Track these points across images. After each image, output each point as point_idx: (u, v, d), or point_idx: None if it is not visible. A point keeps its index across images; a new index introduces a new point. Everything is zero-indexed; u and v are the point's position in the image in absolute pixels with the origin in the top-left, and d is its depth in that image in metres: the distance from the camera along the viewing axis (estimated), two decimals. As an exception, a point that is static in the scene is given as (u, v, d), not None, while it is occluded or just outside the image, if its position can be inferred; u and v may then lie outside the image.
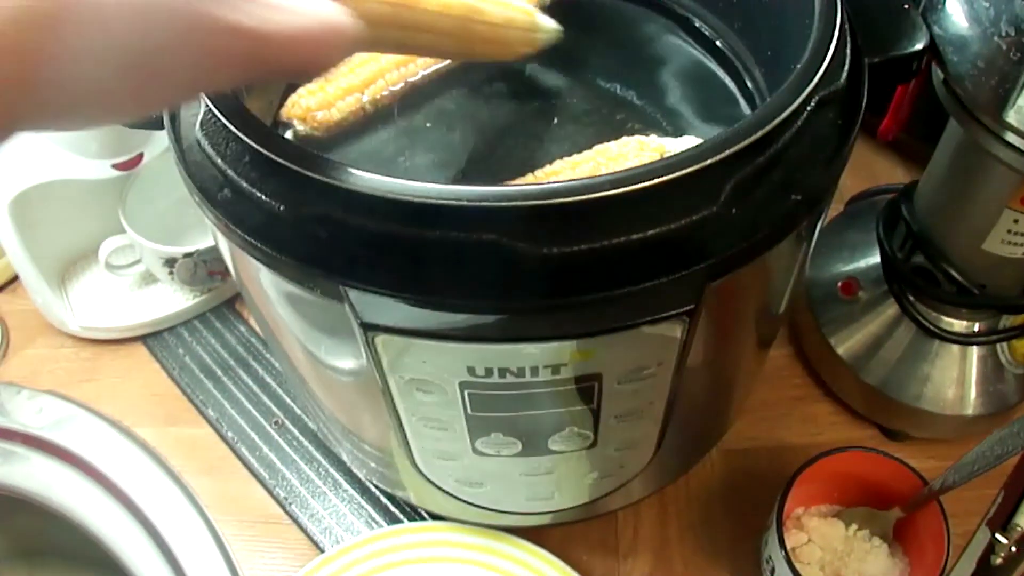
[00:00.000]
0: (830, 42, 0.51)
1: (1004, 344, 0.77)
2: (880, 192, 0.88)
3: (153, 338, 0.91)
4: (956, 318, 0.76)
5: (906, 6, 0.59)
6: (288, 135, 0.62)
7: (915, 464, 0.75)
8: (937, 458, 0.80)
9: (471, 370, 0.49)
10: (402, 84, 0.64)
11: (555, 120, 0.65)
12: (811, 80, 0.49)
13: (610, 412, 0.54)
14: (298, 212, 0.47)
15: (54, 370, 0.90)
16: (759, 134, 0.46)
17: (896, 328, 0.79)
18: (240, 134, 0.48)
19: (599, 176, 0.44)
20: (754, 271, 0.52)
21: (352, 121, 0.63)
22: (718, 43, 0.69)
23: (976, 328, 0.76)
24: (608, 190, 0.44)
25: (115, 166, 0.78)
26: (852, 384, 0.81)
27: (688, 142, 0.61)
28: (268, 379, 0.87)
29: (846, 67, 0.53)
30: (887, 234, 0.77)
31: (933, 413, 0.78)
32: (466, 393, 0.51)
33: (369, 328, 0.46)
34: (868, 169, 0.97)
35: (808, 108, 0.49)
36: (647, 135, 0.61)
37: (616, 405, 0.54)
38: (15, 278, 0.94)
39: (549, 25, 0.59)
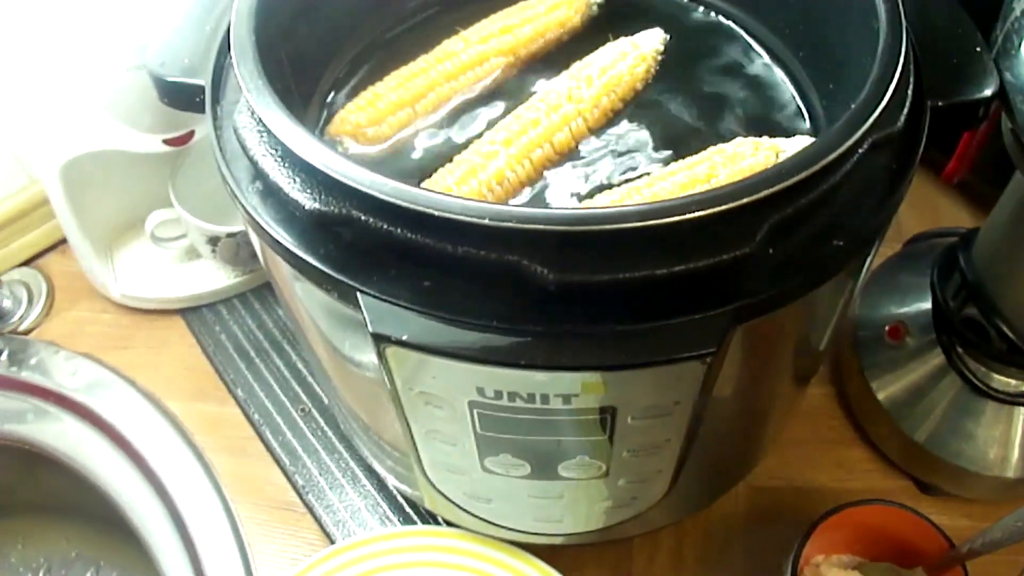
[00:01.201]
0: (889, 83, 0.48)
1: (1055, 407, 0.73)
2: (940, 235, 0.84)
3: (191, 312, 0.91)
4: (1005, 376, 0.72)
5: (978, 49, 0.56)
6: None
7: (948, 522, 0.72)
8: (972, 517, 0.77)
9: (480, 391, 0.47)
10: (454, 97, 0.62)
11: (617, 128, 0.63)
12: (864, 122, 0.47)
13: (623, 445, 0.52)
14: (322, 211, 0.46)
15: (93, 334, 0.91)
16: (802, 175, 0.44)
17: (941, 380, 0.75)
18: (272, 128, 0.47)
19: (628, 206, 0.42)
20: (787, 315, 0.50)
21: (404, 137, 0.61)
22: (779, 68, 0.66)
23: (1024, 387, 0.73)
24: (636, 221, 0.42)
25: (166, 141, 0.77)
26: (890, 433, 0.77)
27: (801, 141, 0.59)
28: (299, 365, 0.86)
29: (905, 109, 0.50)
30: (941, 281, 0.74)
31: (972, 472, 0.74)
32: (475, 412, 0.50)
33: (380, 339, 0.45)
34: (932, 209, 0.93)
35: (860, 151, 0.47)
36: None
37: (630, 439, 0.52)
38: (64, 239, 0.94)
39: None
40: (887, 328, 0.77)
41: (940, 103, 0.53)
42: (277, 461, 0.81)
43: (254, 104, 0.49)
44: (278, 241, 0.48)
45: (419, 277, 0.45)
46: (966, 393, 0.74)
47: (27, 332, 0.92)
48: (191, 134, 0.79)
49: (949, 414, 0.75)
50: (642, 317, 0.44)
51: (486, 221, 0.42)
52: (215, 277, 0.90)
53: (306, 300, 0.54)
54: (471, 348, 0.44)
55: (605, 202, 0.54)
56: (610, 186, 0.58)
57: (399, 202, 0.43)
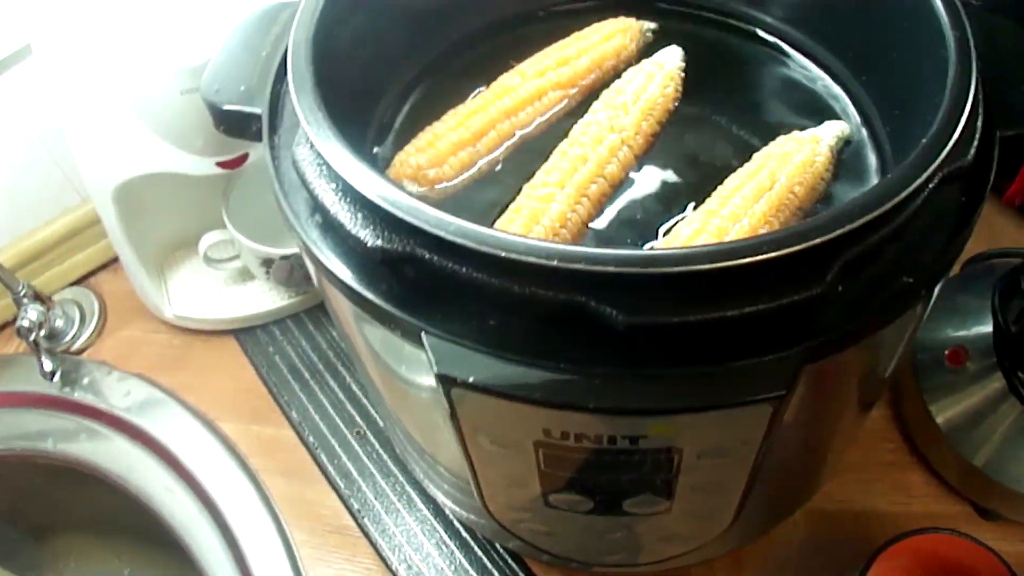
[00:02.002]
0: (959, 117, 0.47)
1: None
2: (999, 255, 0.82)
3: (245, 333, 0.91)
4: (1067, 400, 0.71)
5: (1048, 76, 0.55)
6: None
7: (1007, 547, 0.71)
8: (1033, 542, 0.75)
9: (547, 432, 0.46)
10: (515, 135, 0.61)
11: (677, 163, 0.61)
12: (935, 158, 0.45)
13: (688, 482, 0.51)
14: (385, 249, 0.45)
15: (146, 354, 0.91)
16: (874, 214, 0.43)
17: (1001, 404, 0.73)
18: (333, 164, 0.46)
19: (698, 248, 0.42)
20: (856, 352, 0.48)
21: (466, 177, 0.59)
22: (839, 88, 0.65)
23: (1088, 412, 0.71)
24: (706, 263, 0.41)
25: (220, 164, 0.77)
26: (949, 457, 0.76)
27: (832, 128, 0.60)
28: (354, 387, 0.86)
29: (975, 141, 0.49)
30: (1002, 305, 0.72)
31: (1036, 499, 0.73)
32: (540, 452, 0.49)
33: (446, 380, 0.44)
34: (988, 229, 0.91)
35: (930, 186, 0.46)
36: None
37: (695, 477, 0.51)
38: (116, 258, 0.94)
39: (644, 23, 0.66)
40: (947, 352, 0.76)
41: (1009, 133, 0.52)
42: (332, 484, 0.81)
43: (314, 139, 0.48)
44: (339, 277, 0.48)
45: (484, 316, 0.45)
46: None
47: (80, 352, 0.92)
48: (245, 156, 0.78)
49: (1009, 439, 0.73)
50: (711, 359, 0.43)
51: (555, 263, 0.41)
52: (268, 298, 0.90)
53: (367, 334, 0.53)
54: (538, 390, 0.44)
55: (683, 234, 0.53)
56: (672, 211, 0.57)
57: (466, 242, 0.42)
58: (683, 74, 0.65)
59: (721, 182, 0.57)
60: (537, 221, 0.54)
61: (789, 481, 0.65)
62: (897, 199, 0.44)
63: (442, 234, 0.42)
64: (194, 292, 0.91)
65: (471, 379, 0.44)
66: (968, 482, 0.76)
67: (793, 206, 0.56)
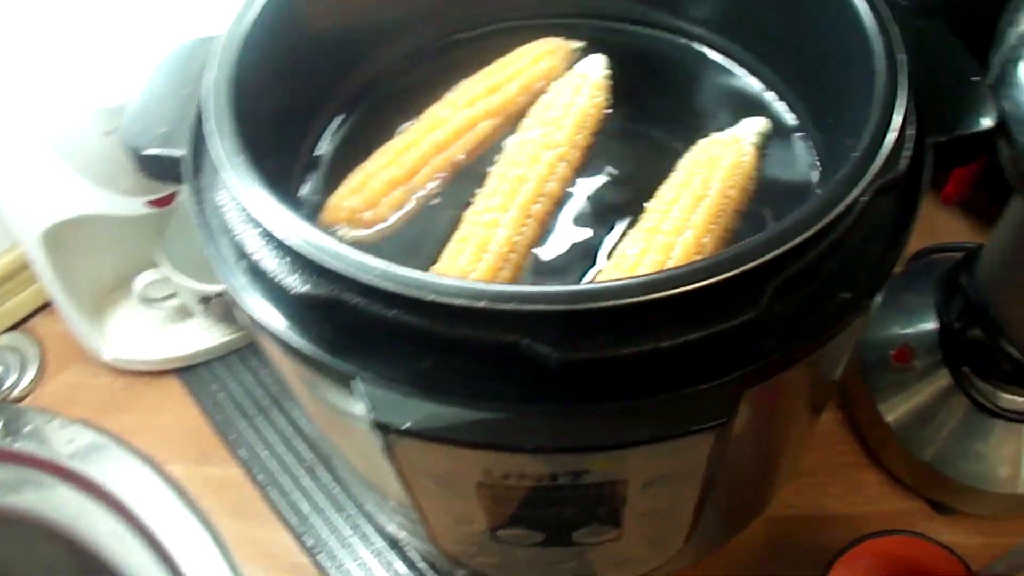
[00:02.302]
0: (888, 129, 0.46)
1: (1064, 423, 0.71)
2: (942, 250, 0.82)
3: (187, 372, 0.88)
4: (1012, 394, 0.70)
5: (974, 79, 0.54)
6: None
7: (962, 540, 0.71)
8: (986, 534, 0.75)
9: (488, 472, 0.45)
10: (449, 167, 0.59)
11: (614, 174, 0.61)
12: (865, 173, 0.45)
13: (636, 510, 0.50)
14: (312, 295, 0.44)
15: (88, 398, 0.88)
16: (808, 233, 0.42)
17: (948, 400, 0.73)
18: (253, 212, 0.45)
19: (631, 279, 0.40)
20: (798, 370, 0.48)
21: (403, 216, 0.58)
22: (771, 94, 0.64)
23: (1033, 403, 0.71)
24: (639, 295, 0.40)
25: (150, 203, 0.75)
26: (900, 455, 0.76)
27: (751, 125, 0.60)
28: (301, 422, 0.83)
29: (907, 151, 0.48)
30: (945, 304, 0.72)
31: (984, 491, 0.72)
32: (483, 492, 0.47)
33: (382, 427, 0.43)
34: (930, 226, 0.90)
35: (863, 200, 0.45)
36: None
37: (643, 504, 0.50)
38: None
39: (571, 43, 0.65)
40: (893, 352, 0.75)
41: (941, 139, 0.51)
42: (284, 521, 0.79)
43: (233, 185, 0.46)
44: (266, 325, 0.46)
45: (418, 359, 0.43)
46: (974, 413, 0.72)
47: (20, 399, 0.89)
48: (175, 194, 0.76)
49: (958, 434, 0.73)
50: (649, 391, 0.42)
51: (483, 304, 0.40)
52: (209, 335, 0.87)
53: (301, 380, 0.51)
54: (476, 433, 0.42)
55: (630, 255, 0.52)
56: (614, 226, 0.57)
57: (391, 287, 0.41)
58: (609, 82, 0.64)
59: (656, 192, 0.56)
60: (485, 249, 0.52)
61: (742, 495, 0.64)
62: (829, 217, 0.43)
63: (367, 279, 0.41)
64: (133, 333, 0.88)
65: (407, 425, 0.42)
66: (921, 479, 0.76)
67: (730, 209, 0.56)
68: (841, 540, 0.67)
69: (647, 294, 0.40)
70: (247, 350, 0.89)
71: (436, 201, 0.58)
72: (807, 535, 0.76)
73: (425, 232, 0.56)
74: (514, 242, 0.53)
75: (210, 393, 0.86)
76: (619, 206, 0.58)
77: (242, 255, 0.48)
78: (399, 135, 0.59)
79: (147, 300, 0.85)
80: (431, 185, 0.58)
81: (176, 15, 0.71)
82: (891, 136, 0.46)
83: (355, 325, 0.44)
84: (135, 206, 0.75)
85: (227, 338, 0.87)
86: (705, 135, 0.60)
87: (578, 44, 0.67)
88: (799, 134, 0.62)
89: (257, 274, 0.47)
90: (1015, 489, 0.72)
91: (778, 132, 0.62)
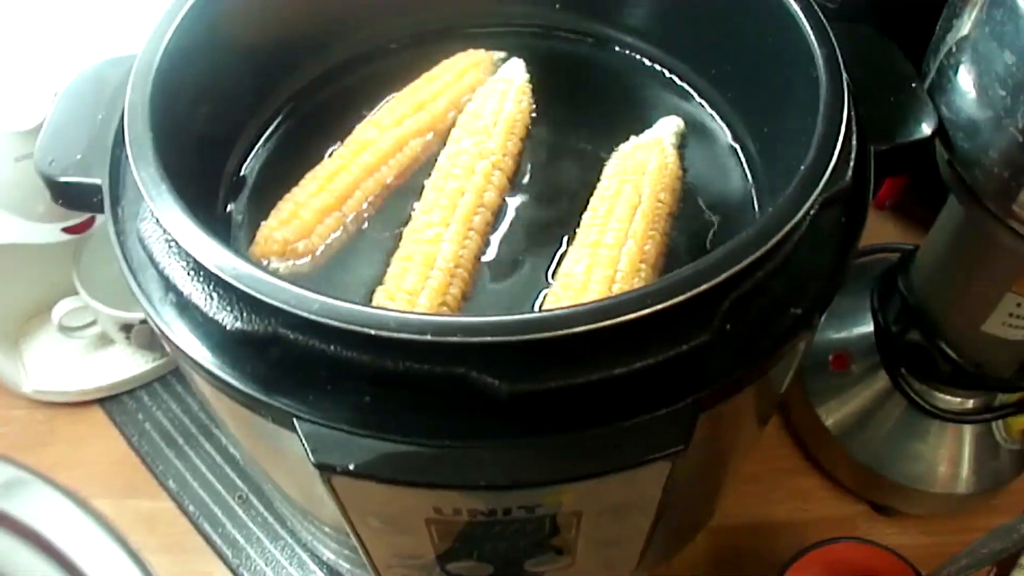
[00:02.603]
0: (835, 141, 0.45)
1: (1000, 421, 0.72)
2: (877, 251, 0.81)
3: (111, 402, 0.84)
4: (950, 395, 0.70)
5: (913, 85, 0.53)
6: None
7: (907, 541, 0.71)
8: (930, 534, 0.75)
9: (438, 510, 0.43)
10: (381, 189, 0.57)
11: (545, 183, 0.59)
12: (815, 187, 0.43)
13: (589, 539, 0.48)
14: (245, 331, 0.41)
15: (6, 433, 0.83)
16: (760, 251, 0.41)
17: (887, 402, 0.73)
18: (183, 244, 0.42)
19: (578, 307, 0.38)
20: (750, 389, 0.46)
21: (337, 244, 0.54)
22: (708, 108, 0.63)
23: (970, 405, 0.71)
24: (591, 323, 0.38)
25: (66, 229, 0.71)
26: (840, 459, 0.75)
27: (667, 125, 0.59)
28: (231, 449, 0.80)
29: (852, 162, 0.47)
30: (882, 305, 0.71)
31: (924, 491, 0.72)
32: (433, 528, 0.45)
33: (324, 468, 0.40)
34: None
35: (811, 214, 0.43)
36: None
37: (597, 532, 0.48)
38: (-34, 333, 0.87)
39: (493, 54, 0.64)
40: (831, 357, 0.75)
41: (883, 147, 0.50)
42: (219, 554, 0.75)
43: (160, 215, 0.43)
44: (198, 361, 0.43)
45: (359, 394, 0.41)
46: (912, 414, 0.72)
47: (-67, 439, 0.84)
48: (92, 220, 0.73)
49: (897, 436, 0.73)
50: (602, 421, 0.40)
51: (428, 337, 0.37)
52: (132, 363, 0.83)
53: (235, 418, 0.49)
54: (425, 472, 0.40)
55: (577, 272, 0.51)
56: (556, 237, 0.55)
57: (332, 321, 0.38)
58: (531, 86, 0.62)
59: (589, 203, 0.55)
60: (431, 265, 0.50)
61: (692, 511, 0.63)
62: (782, 233, 0.41)
63: (305, 314, 0.38)
64: (52, 363, 0.84)
65: (351, 466, 0.40)
66: (861, 482, 0.76)
67: (664, 213, 0.55)
68: (785, 547, 0.67)
69: (598, 321, 0.38)
70: (172, 377, 0.85)
71: (369, 224, 0.55)
72: (750, 544, 0.75)
73: (362, 257, 0.54)
74: (460, 256, 0.51)
75: (136, 423, 0.82)
76: (553, 218, 0.56)
77: (169, 288, 0.45)
78: (327, 159, 0.56)
79: (65, 330, 0.81)
80: (364, 208, 0.55)
81: (84, 36, 0.68)
82: (837, 149, 0.45)
83: (292, 361, 0.42)
84: (51, 233, 0.71)
85: (151, 365, 0.83)
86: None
87: (500, 54, 0.65)
88: (728, 139, 0.60)
89: (186, 308, 0.45)
90: (954, 489, 0.72)
91: (704, 136, 0.61)
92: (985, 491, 0.73)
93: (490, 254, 0.54)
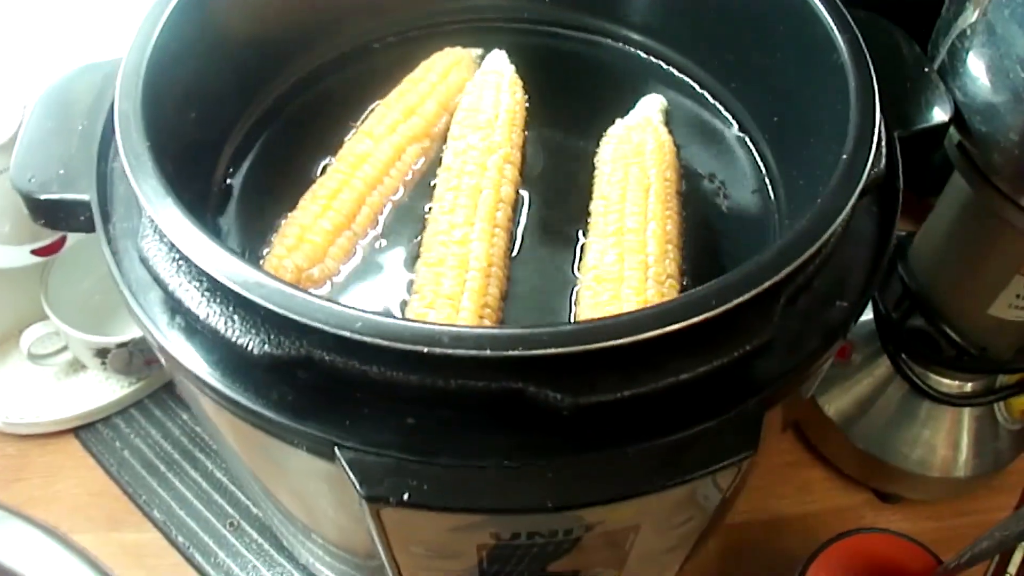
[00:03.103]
0: (874, 128, 0.43)
1: (1001, 403, 0.70)
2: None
3: (86, 431, 0.78)
4: (951, 378, 0.69)
5: (925, 69, 0.51)
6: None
7: (912, 527, 0.69)
8: (935, 519, 0.74)
9: (495, 535, 0.39)
10: (387, 202, 0.53)
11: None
12: (861, 175, 0.41)
13: (642, 550, 0.45)
14: (273, 355, 0.37)
15: (-25, 470, 0.78)
16: (818, 244, 0.38)
17: (887, 387, 0.71)
18: (203, 265, 0.38)
19: (644, 311, 0.36)
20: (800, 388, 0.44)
21: (351, 265, 0.50)
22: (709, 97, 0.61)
23: (969, 388, 0.69)
24: (656, 327, 0.35)
25: (35, 251, 0.66)
26: (844, 448, 0.73)
27: (652, 104, 0.58)
28: (219, 474, 0.75)
29: (884, 150, 0.45)
30: (881, 292, 0.69)
31: (927, 476, 0.71)
32: (484, 552, 0.42)
33: (374, 500, 0.36)
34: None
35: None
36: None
37: (650, 543, 0.45)
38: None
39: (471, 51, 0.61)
40: (832, 347, 0.73)
41: (903, 134, 0.48)
42: (213, 585, 0.71)
43: (167, 231, 0.39)
44: (219, 390, 0.39)
45: (401, 414, 0.38)
46: (913, 399, 0.71)
47: (-100, 478, 0.78)
48: (63, 240, 0.67)
49: (896, 421, 0.71)
50: (669, 429, 0.37)
51: (487, 352, 0.34)
52: (106, 389, 0.78)
53: (248, 446, 0.45)
54: (483, 496, 0.37)
55: (607, 261, 0.48)
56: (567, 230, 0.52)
57: (379, 341, 0.35)
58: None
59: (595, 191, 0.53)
60: (467, 267, 0.47)
61: (723, 513, 0.60)
62: (836, 225, 0.39)
63: (348, 333, 0.35)
64: (23, 392, 0.77)
65: (405, 496, 0.36)
66: (865, 469, 0.74)
67: (673, 191, 0.54)
68: (793, 541, 0.65)
69: (666, 325, 0.35)
70: (149, 401, 0.79)
71: (380, 237, 0.52)
72: (760, 539, 0.73)
73: (381, 270, 0.50)
74: (491, 255, 0.48)
75: (114, 452, 0.77)
76: (563, 209, 0.54)
77: (177, 311, 0.42)
78: (324, 176, 0.52)
79: (36, 356, 0.75)
80: (374, 223, 0.52)
81: (52, 43, 0.63)
82: (877, 134, 0.43)
83: (323, 383, 0.38)
84: (19, 256, 0.66)
85: (127, 391, 0.78)
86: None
87: (476, 51, 0.62)
88: (734, 130, 0.58)
89: (198, 333, 0.41)
90: (956, 472, 0.71)
91: (705, 127, 0.59)
92: (986, 473, 0.71)
93: (514, 250, 0.52)
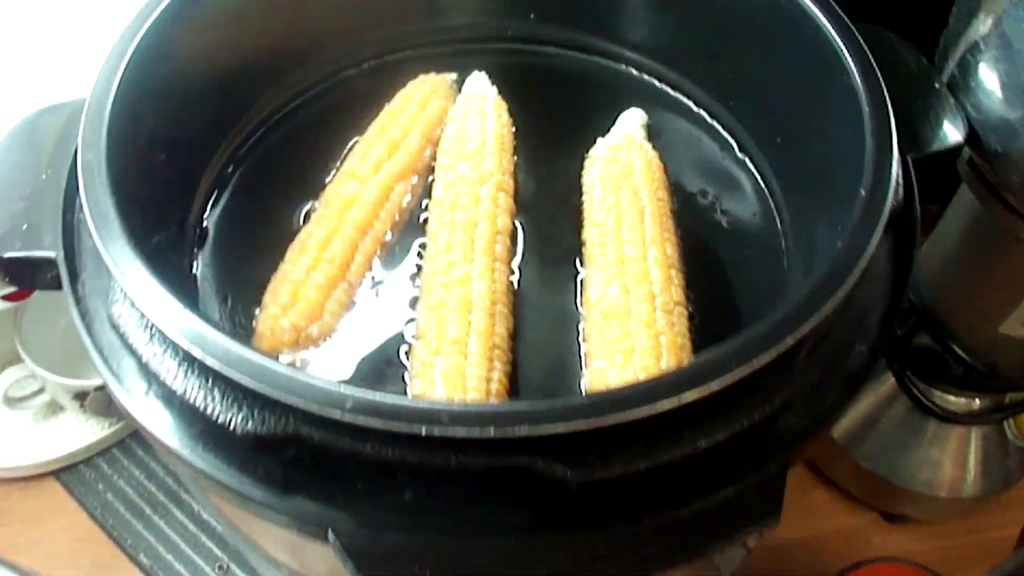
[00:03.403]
0: (891, 160, 0.40)
1: (1010, 419, 0.68)
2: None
3: (67, 473, 0.74)
4: (958, 396, 0.66)
5: (936, 85, 0.48)
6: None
7: (917, 547, 0.67)
8: (942, 538, 0.71)
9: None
10: (378, 249, 0.49)
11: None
12: (881, 212, 0.38)
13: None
14: (259, 435, 0.34)
15: (-46, 516, 0.74)
16: (842, 294, 0.35)
17: (892, 405, 0.69)
18: (180, 341, 0.34)
19: (659, 379, 0.33)
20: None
21: (349, 318, 0.46)
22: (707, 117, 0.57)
23: (977, 405, 0.66)
24: (673, 395, 0.32)
25: (5, 297, 0.62)
26: (848, 468, 0.70)
27: (632, 120, 0.54)
28: (205, 515, 0.71)
29: (901, 179, 0.42)
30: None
31: (935, 496, 0.68)
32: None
33: (370, 584, 0.33)
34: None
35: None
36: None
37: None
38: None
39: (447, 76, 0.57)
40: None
41: (916, 156, 0.45)
42: (203, 631, 0.67)
43: (138, 301, 0.36)
44: (199, 468, 0.36)
45: (397, 490, 0.34)
46: (918, 417, 0.68)
47: None
48: (34, 283, 0.64)
49: (901, 439, 0.69)
50: (686, 499, 0.34)
51: (490, 432, 0.31)
52: (86, 430, 0.73)
53: (244, 518, 0.41)
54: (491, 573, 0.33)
55: (611, 295, 0.45)
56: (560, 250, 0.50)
57: (368, 420, 0.31)
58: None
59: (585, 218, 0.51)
60: (469, 308, 0.44)
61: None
62: (860, 267, 0.36)
63: (337, 414, 0.31)
64: (1, 436, 0.74)
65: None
66: (871, 490, 0.71)
67: (668, 211, 0.51)
68: (801, 567, 0.62)
69: (682, 391, 0.32)
70: (131, 440, 0.75)
71: (374, 283, 0.48)
72: (766, 568, 0.69)
73: (379, 318, 0.46)
74: (494, 292, 0.45)
75: (97, 494, 0.73)
76: (558, 238, 0.51)
77: (151, 380, 0.38)
78: (310, 223, 0.49)
79: (12, 400, 0.72)
80: (369, 270, 0.48)
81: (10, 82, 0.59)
82: (894, 168, 0.40)
83: (314, 459, 0.35)
84: (-12, 302, 0.62)
85: (107, 431, 0.74)
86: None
87: (451, 76, 0.58)
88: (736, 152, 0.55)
89: (174, 403, 0.37)
90: (964, 492, 0.68)
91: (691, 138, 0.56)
92: (994, 491, 0.69)
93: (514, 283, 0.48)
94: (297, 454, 0.35)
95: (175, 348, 0.36)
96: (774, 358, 0.33)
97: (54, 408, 0.74)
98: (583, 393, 0.43)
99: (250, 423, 0.34)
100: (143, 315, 0.36)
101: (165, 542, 0.70)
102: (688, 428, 0.33)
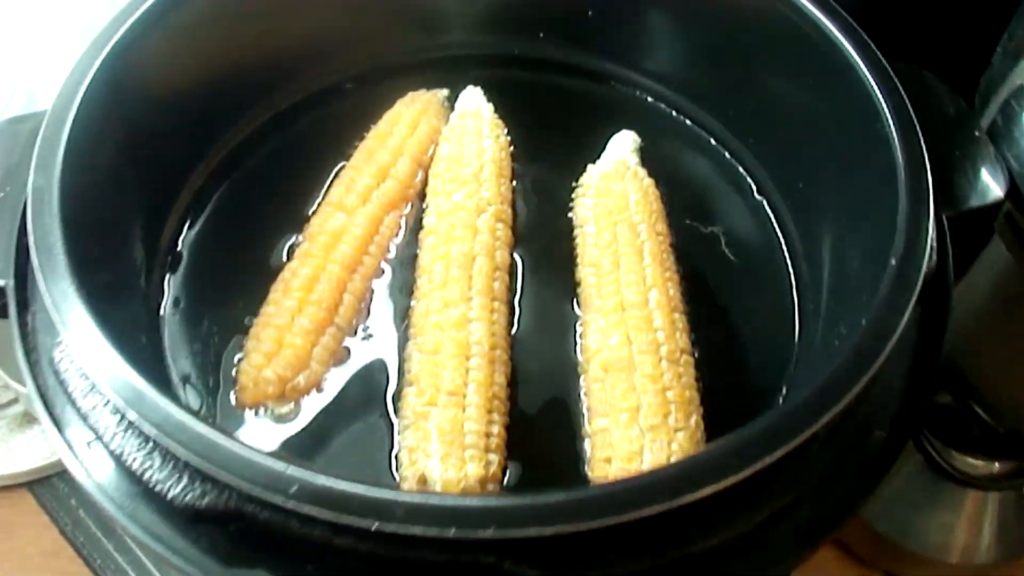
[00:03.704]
0: (927, 220, 0.35)
1: (1031, 486, 0.63)
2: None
3: (40, 486, 0.70)
4: (977, 459, 0.61)
5: (976, 133, 0.44)
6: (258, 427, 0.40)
7: (925, 612, 0.62)
8: (947, 604, 0.66)
9: None
10: (368, 286, 0.45)
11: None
12: (915, 283, 0.33)
13: None
14: (200, 510, 0.30)
15: (-80, 528, 0.70)
16: (865, 380, 0.31)
17: (905, 464, 0.64)
18: (118, 403, 0.30)
19: (651, 475, 0.28)
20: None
21: (336, 363, 0.42)
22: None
23: (996, 469, 0.62)
24: (665, 501, 0.27)
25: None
26: (857, 527, 0.66)
27: (624, 144, 0.49)
28: (178, 541, 0.68)
29: (936, 242, 0.37)
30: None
31: (943, 562, 0.64)
32: None
33: None
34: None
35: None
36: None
37: None
38: None
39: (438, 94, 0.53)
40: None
41: (951, 213, 0.40)
42: (171, 659, 0.63)
43: (75, 352, 0.32)
44: (135, 535, 0.32)
45: (351, 571, 0.30)
46: (934, 479, 0.63)
47: None
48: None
49: (914, 501, 0.64)
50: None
51: (451, 532, 0.27)
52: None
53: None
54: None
55: (612, 343, 0.41)
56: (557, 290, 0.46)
57: (313, 510, 0.27)
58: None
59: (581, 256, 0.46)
60: (467, 353, 0.40)
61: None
62: (887, 349, 0.31)
63: (279, 500, 0.27)
64: (-31, 447, 0.70)
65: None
66: (880, 552, 0.66)
67: (667, 245, 0.46)
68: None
69: (677, 496, 0.27)
70: (109, 453, 0.72)
71: (366, 322, 0.44)
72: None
73: (370, 363, 0.42)
74: (494, 335, 0.41)
75: (68, 509, 0.69)
76: (555, 276, 0.46)
77: (92, 431, 0.34)
78: (293, 261, 0.44)
79: (-17, 410, 0.68)
80: (358, 314, 0.44)
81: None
82: (931, 228, 0.35)
83: (261, 534, 0.30)
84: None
85: (85, 443, 0.70)
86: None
87: (443, 92, 0.53)
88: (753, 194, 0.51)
89: (116, 461, 0.33)
90: (978, 559, 0.64)
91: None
92: (1009, 559, 0.64)
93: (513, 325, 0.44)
94: (243, 528, 0.31)
95: (114, 405, 0.32)
96: (782, 456, 0.28)
97: (29, 419, 0.71)
98: (586, 461, 0.39)
99: (189, 495, 0.30)
100: (88, 376, 0.33)
101: (135, 564, 0.66)
102: (678, 531, 0.29)
